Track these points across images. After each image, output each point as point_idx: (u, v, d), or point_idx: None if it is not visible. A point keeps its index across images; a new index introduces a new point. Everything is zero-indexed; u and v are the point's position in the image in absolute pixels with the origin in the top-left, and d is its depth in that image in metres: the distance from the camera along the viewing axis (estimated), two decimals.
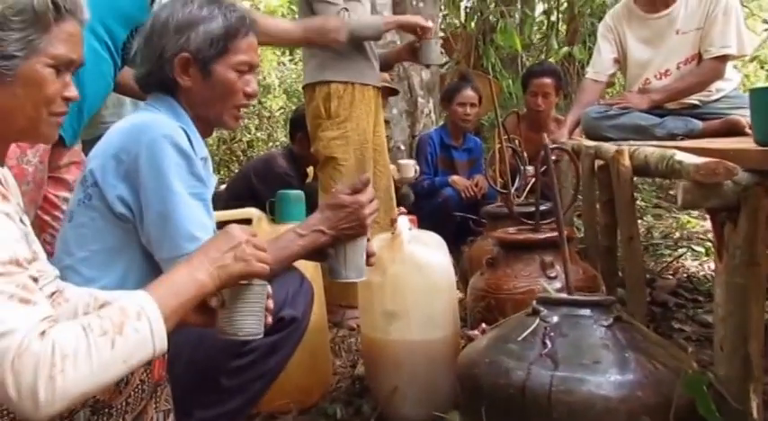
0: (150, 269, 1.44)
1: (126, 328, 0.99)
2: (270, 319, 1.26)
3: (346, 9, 2.79)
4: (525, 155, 3.14)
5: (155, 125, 1.45)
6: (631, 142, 2.54)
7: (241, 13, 1.58)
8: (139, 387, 1.15)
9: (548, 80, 4.07)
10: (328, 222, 1.57)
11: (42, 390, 0.90)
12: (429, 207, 3.77)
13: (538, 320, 1.52)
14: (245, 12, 1.60)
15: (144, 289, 1.08)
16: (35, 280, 1.04)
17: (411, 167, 3.80)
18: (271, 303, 1.26)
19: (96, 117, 2.47)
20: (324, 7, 2.80)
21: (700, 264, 3.54)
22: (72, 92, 1.18)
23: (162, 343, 1.03)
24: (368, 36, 2.87)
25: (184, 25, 1.52)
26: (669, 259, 3.68)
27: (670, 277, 3.31)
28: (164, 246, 1.42)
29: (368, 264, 1.64)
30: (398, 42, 3.92)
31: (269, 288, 1.24)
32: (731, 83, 3.02)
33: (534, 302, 1.58)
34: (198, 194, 1.45)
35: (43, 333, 0.93)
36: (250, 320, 1.22)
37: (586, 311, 1.51)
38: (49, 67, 1.13)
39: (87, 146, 2.16)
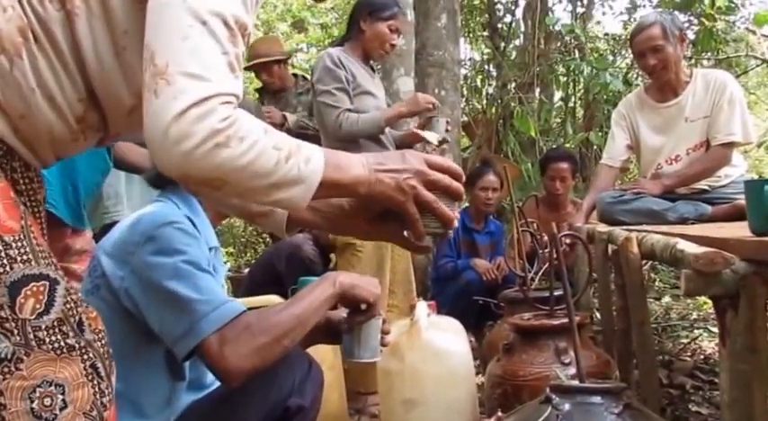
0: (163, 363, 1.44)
1: (291, 160, 0.94)
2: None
3: (349, 110, 2.91)
4: (543, 237, 3.20)
5: (159, 215, 1.46)
6: (643, 226, 2.61)
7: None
8: None
9: (564, 165, 4.19)
10: (339, 274, 1.54)
11: (199, 151, 0.86)
12: (452, 290, 3.82)
13: (550, 408, 1.55)
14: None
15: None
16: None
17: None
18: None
19: (99, 206, 2.58)
20: (325, 109, 2.95)
21: (715, 345, 3.52)
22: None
23: (305, 197, 0.97)
24: (370, 133, 2.98)
25: None
26: (686, 340, 3.68)
27: (687, 359, 3.31)
28: (176, 324, 1.32)
29: (383, 344, 1.62)
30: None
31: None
32: (738, 169, 3.12)
33: (547, 390, 1.63)
34: (205, 269, 1.40)
35: (230, 104, 0.89)
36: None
37: (597, 399, 1.53)
38: None
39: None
